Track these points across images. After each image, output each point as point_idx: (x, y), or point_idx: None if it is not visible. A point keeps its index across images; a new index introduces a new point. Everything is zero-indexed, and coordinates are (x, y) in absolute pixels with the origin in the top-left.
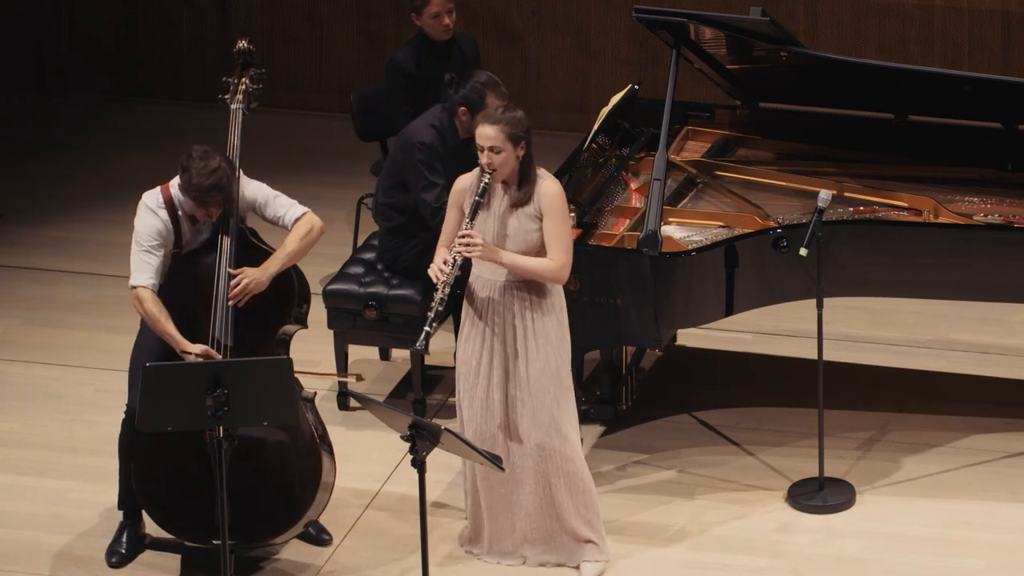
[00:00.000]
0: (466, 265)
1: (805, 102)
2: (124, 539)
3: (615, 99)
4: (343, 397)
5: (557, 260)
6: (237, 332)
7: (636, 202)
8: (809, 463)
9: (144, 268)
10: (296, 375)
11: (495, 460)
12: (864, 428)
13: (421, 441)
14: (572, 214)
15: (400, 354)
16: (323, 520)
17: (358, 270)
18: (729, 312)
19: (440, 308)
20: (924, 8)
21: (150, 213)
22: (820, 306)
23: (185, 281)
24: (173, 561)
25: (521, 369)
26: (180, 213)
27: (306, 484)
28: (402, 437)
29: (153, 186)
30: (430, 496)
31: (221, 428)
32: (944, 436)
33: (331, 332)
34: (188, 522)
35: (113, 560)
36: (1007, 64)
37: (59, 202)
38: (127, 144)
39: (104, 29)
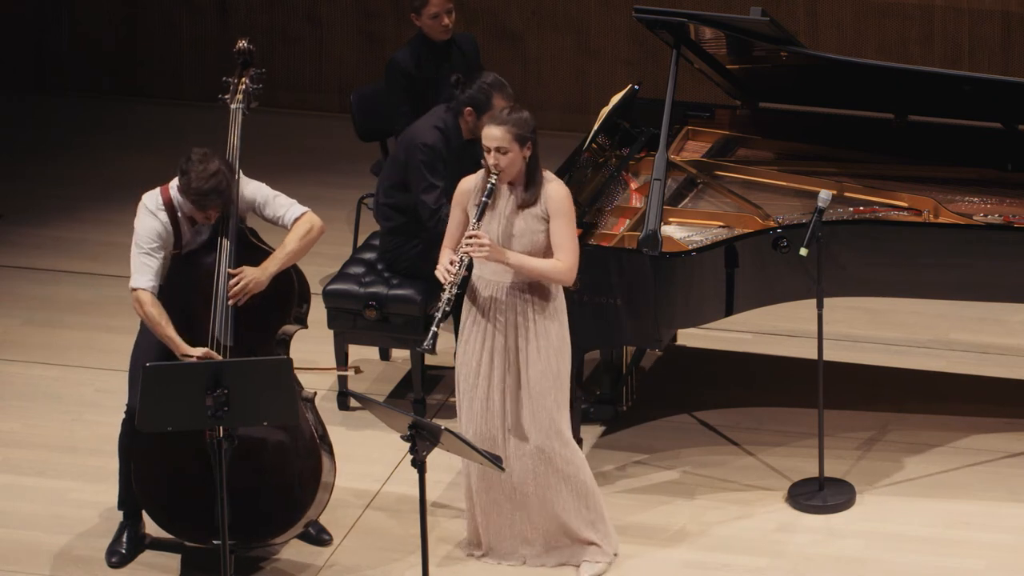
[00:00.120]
0: (470, 266)
1: (805, 102)
2: (124, 539)
3: (615, 99)
4: (343, 397)
5: (565, 261)
6: (237, 332)
7: (636, 202)
8: (809, 463)
9: (144, 270)
10: (296, 372)
11: (495, 460)
12: (864, 428)
13: (421, 441)
14: None
15: (400, 354)
16: (323, 520)
17: (358, 270)
18: (729, 312)
19: (447, 308)
20: (924, 8)
21: (150, 215)
22: (820, 306)
23: (185, 281)
24: (173, 561)
25: (522, 371)
26: (180, 214)
27: (306, 484)
28: (402, 437)
29: (153, 186)
30: (430, 496)
31: (221, 428)
32: (944, 436)
33: (331, 332)
34: (188, 522)
35: (113, 560)
36: (1007, 64)
37: (59, 202)
38: (127, 144)
39: (104, 29)
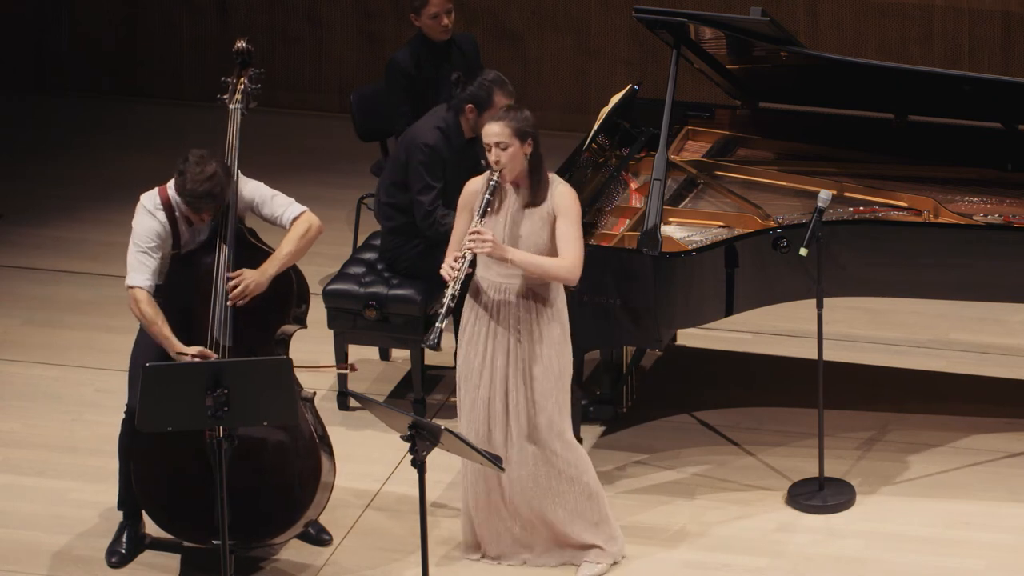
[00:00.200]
0: (473, 262)
1: (805, 102)
2: (124, 539)
3: (615, 99)
4: (343, 397)
5: (569, 259)
6: (236, 332)
7: (636, 202)
8: (809, 463)
9: (141, 269)
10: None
11: (495, 460)
12: (864, 428)
13: (421, 441)
14: None
15: (400, 354)
16: (323, 520)
17: (358, 270)
18: (729, 312)
19: (451, 304)
20: (924, 8)
21: (148, 215)
22: (820, 306)
23: (185, 281)
24: (173, 561)
25: (524, 373)
26: (177, 214)
27: (305, 484)
28: (402, 437)
29: (153, 186)
30: (430, 496)
31: (221, 428)
32: (944, 436)
33: (331, 332)
34: (188, 522)
35: (113, 560)
36: (1007, 64)
37: (59, 202)
38: (127, 144)
39: (104, 29)
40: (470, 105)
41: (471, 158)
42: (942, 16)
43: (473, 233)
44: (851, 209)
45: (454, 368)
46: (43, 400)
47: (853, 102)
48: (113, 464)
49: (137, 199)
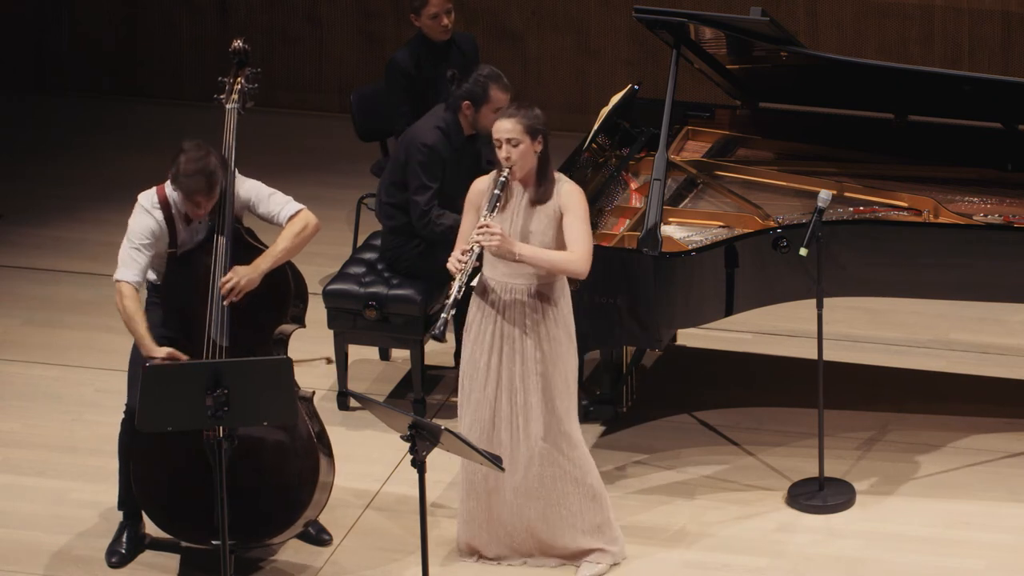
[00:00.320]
0: (480, 256)
1: (805, 102)
2: (124, 539)
3: (615, 99)
4: (343, 397)
5: (578, 252)
6: (233, 332)
7: (636, 202)
8: (809, 463)
9: (131, 264)
10: None
11: (495, 460)
12: (864, 428)
13: (421, 441)
14: None
15: (400, 354)
16: (323, 520)
17: (358, 270)
18: (729, 312)
19: (458, 295)
20: (924, 8)
21: (145, 213)
22: (820, 306)
23: (184, 281)
24: (173, 561)
25: (530, 374)
26: (174, 211)
27: (304, 484)
28: (402, 437)
29: (152, 186)
30: (430, 496)
31: (221, 428)
32: (944, 436)
33: (331, 332)
34: (187, 522)
35: (113, 560)
36: (1007, 64)
37: (59, 202)
38: (127, 144)
39: (104, 29)
40: (467, 101)
41: (471, 155)
42: (942, 16)
43: (482, 227)
44: (851, 209)
45: (454, 368)
46: (43, 400)
47: (853, 102)
48: (113, 464)
49: (136, 199)
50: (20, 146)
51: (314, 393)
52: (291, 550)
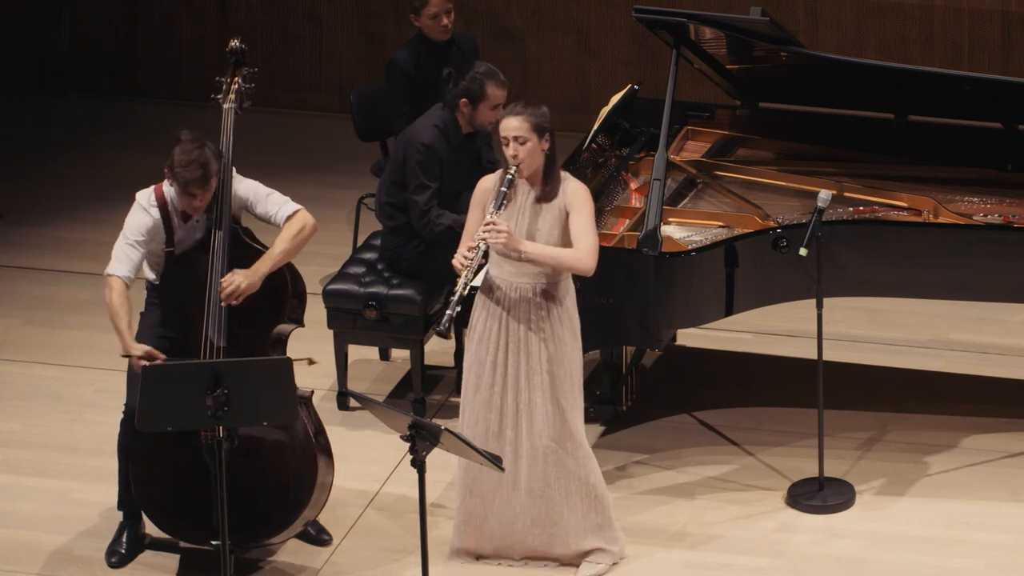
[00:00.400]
0: (486, 254)
1: (805, 102)
2: (124, 539)
3: (615, 99)
4: (343, 397)
5: (584, 248)
6: (231, 332)
7: (636, 202)
8: (809, 463)
9: (123, 259)
10: None
11: (495, 460)
12: (864, 428)
13: (421, 441)
14: None
15: (400, 354)
16: (323, 520)
17: (358, 270)
18: (729, 312)
19: (463, 292)
20: (924, 8)
21: (142, 211)
22: (820, 306)
23: (183, 280)
24: (173, 561)
25: (535, 373)
26: (171, 208)
27: (303, 484)
28: (402, 437)
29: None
30: (430, 496)
31: (221, 428)
32: (944, 436)
33: (331, 332)
34: (187, 523)
35: (113, 560)
36: (1007, 64)
37: (59, 202)
38: (127, 144)
39: (104, 29)
40: (464, 100)
41: (470, 153)
42: (942, 16)
43: (488, 224)
44: (851, 209)
45: (454, 368)
46: (43, 400)
47: (853, 102)
48: (113, 464)
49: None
50: (20, 146)
51: (313, 393)
52: (291, 550)
